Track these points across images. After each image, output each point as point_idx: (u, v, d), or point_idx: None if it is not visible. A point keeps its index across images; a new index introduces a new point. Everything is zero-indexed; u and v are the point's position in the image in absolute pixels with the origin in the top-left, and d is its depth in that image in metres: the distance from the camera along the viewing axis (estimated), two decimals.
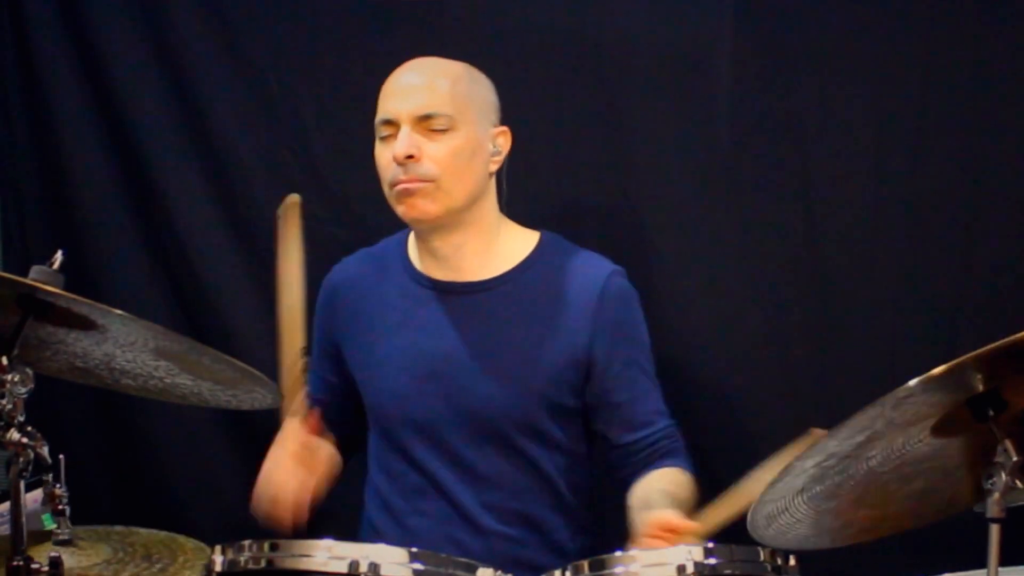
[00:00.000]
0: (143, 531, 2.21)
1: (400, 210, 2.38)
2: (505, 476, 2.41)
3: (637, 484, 2.38)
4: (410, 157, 2.32)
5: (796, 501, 1.95)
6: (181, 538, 2.19)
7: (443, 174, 2.34)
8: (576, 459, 2.47)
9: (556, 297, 2.41)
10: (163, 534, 2.20)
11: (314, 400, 2.51)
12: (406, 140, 2.33)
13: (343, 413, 2.54)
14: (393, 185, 2.36)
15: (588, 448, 2.50)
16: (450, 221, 2.39)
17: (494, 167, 2.42)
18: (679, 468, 2.42)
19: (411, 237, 2.52)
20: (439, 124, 2.34)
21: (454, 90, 2.37)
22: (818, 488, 1.93)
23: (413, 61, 2.42)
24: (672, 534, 2.11)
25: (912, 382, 1.74)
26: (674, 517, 2.15)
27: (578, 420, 2.46)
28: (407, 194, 2.35)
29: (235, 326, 3.01)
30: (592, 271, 2.44)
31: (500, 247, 2.45)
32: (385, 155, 2.37)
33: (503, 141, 2.43)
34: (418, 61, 2.42)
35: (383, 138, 2.38)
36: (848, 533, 2.05)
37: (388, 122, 2.36)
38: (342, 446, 2.54)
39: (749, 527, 1.98)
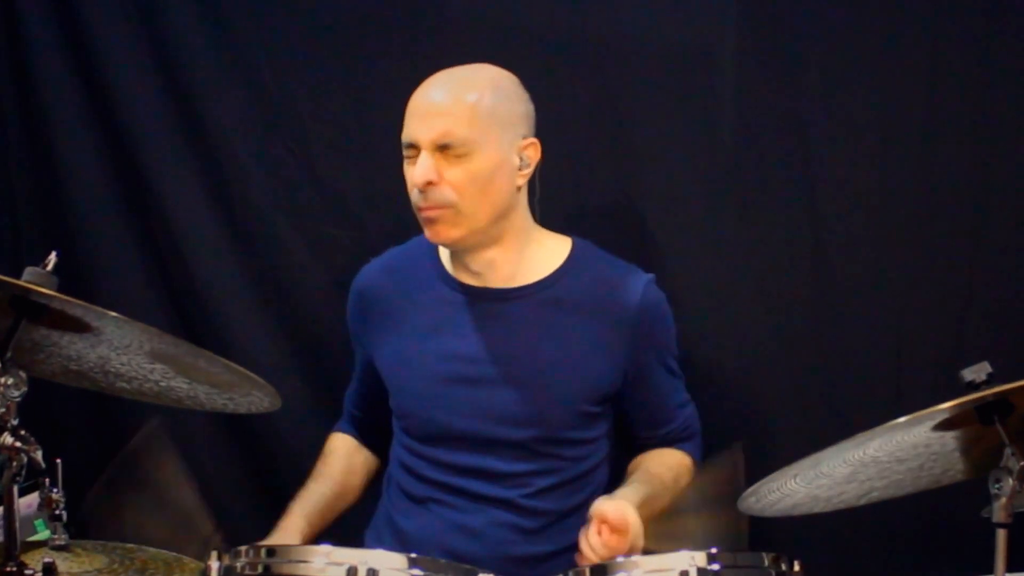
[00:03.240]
0: (151, 549, 2.19)
1: (426, 234, 2.40)
2: (528, 479, 2.42)
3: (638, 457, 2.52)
4: (429, 183, 2.33)
5: (789, 483, 2.00)
6: (187, 559, 2.17)
7: (462, 199, 2.34)
8: (599, 460, 2.49)
9: (593, 307, 2.42)
10: (171, 555, 2.18)
11: (361, 395, 2.63)
12: (424, 167, 2.33)
13: (387, 412, 2.57)
14: (417, 210, 2.38)
15: (610, 447, 2.53)
16: (477, 240, 2.40)
17: (521, 180, 2.41)
18: (682, 452, 2.56)
19: None
20: (457, 151, 2.33)
21: (475, 111, 2.34)
22: (812, 472, 1.97)
23: (439, 75, 2.39)
24: (608, 531, 2.19)
25: (904, 419, 1.79)
26: (613, 514, 2.20)
27: (603, 423, 2.49)
28: (429, 222, 2.37)
29: (232, 328, 2.98)
30: (628, 282, 2.45)
31: (532, 255, 2.46)
32: (408, 177, 2.39)
33: (532, 153, 2.41)
34: (443, 76, 2.39)
35: (408, 158, 2.39)
36: (839, 501, 2.09)
37: (410, 145, 2.37)
38: (383, 437, 2.61)
39: (739, 504, 2.02)
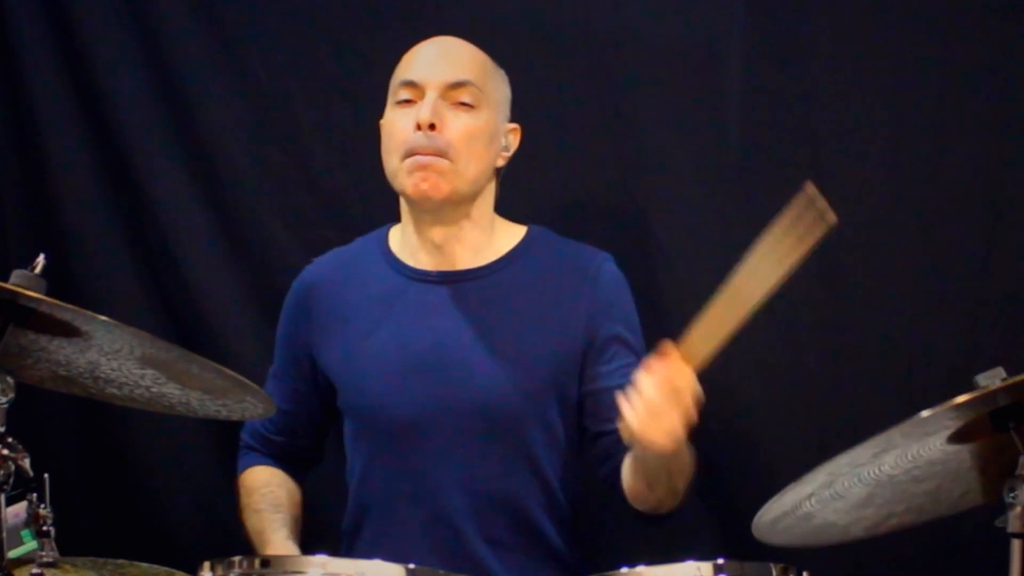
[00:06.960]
0: (143, 565, 2.17)
1: (410, 182, 2.29)
2: (499, 476, 2.34)
3: (625, 466, 2.28)
4: (433, 126, 2.26)
5: (804, 505, 1.95)
6: (179, 574, 2.14)
7: (460, 153, 2.28)
8: (571, 459, 2.41)
9: (550, 283, 2.37)
10: (163, 569, 2.16)
11: (281, 411, 2.46)
12: (432, 106, 2.26)
13: (310, 424, 2.50)
14: (408, 154, 2.28)
15: (580, 449, 2.44)
16: (452, 208, 2.33)
17: (501, 162, 2.39)
18: None
19: (393, 232, 2.46)
20: (468, 96, 2.29)
21: (487, 69, 2.36)
22: (827, 492, 1.93)
23: (440, 37, 2.39)
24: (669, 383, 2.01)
25: (927, 413, 1.75)
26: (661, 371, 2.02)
27: (568, 409, 2.39)
28: (421, 168, 2.27)
29: (225, 333, 2.96)
30: (583, 257, 2.42)
31: (492, 240, 2.41)
32: (402, 121, 2.29)
33: (513, 138, 2.41)
34: (446, 37, 2.39)
35: (400, 102, 2.30)
36: (855, 530, 2.05)
37: (411, 84, 2.30)
38: (301, 461, 2.52)
39: (753, 528, 1.97)
